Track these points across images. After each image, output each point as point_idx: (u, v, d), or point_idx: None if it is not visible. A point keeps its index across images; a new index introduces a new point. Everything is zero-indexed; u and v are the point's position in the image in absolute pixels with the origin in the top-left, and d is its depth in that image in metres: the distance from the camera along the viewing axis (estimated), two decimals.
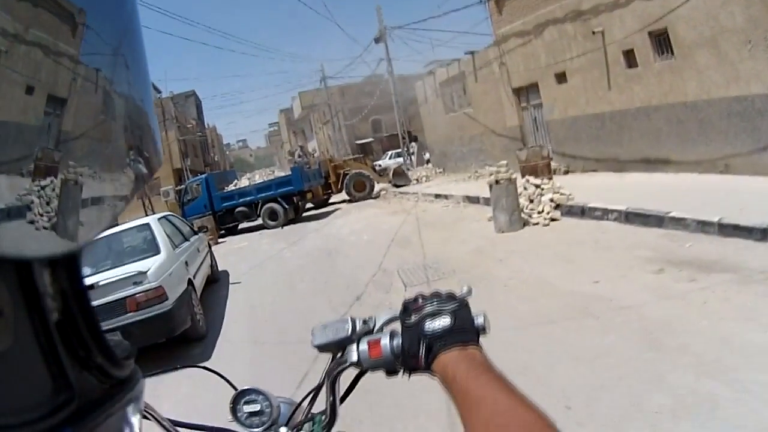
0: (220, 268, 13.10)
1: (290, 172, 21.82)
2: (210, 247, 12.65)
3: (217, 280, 12.16)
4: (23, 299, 0.55)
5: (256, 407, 1.40)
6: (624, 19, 14.28)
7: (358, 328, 1.20)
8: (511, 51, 19.15)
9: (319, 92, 53.85)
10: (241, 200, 21.78)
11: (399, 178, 25.85)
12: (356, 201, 24.26)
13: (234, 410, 1.41)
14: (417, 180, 26.07)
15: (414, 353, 1.01)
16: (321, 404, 1.29)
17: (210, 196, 21.80)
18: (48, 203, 0.54)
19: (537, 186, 11.95)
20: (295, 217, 22.00)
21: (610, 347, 5.03)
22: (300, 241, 15.60)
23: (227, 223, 22.28)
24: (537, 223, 11.02)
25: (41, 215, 0.53)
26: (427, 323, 1.01)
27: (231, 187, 22.63)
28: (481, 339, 1.00)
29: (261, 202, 21.45)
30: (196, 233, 11.42)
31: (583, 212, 10.89)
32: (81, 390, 0.58)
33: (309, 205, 24.69)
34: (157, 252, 8.21)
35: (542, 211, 11.36)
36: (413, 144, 30.67)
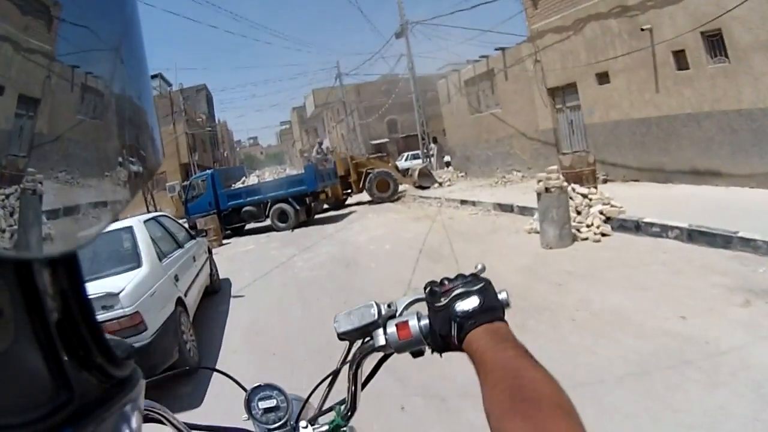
0: (222, 276, 11.83)
1: (303, 171, 20.71)
2: (210, 252, 11.33)
3: (216, 291, 10.87)
4: (23, 299, 0.55)
5: (271, 403, 1.44)
6: (675, 16, 13.32)
7: (383, 312, 1.22)
8: (547, 48, 18.05)
9: (333, 90, 52.77)
10: (248, 199, 20.56)
11: (425, 179, 24.75)
12: (379, 202, 23.06)
13: (249, 407, 1.45)
14: (439, 184, 24.80)
15: (446, 333, 1.07)
16: (336, 394, 1.39)
17: (215, 194, 20.65)
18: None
19: (584, 196, 10.88)
20: (307, 219, 20.91)
21: (723, 407, 4.07)
22: (313, 248, 14.36)
23: (233, 223, 21.14)
24: (586, 239, 9.96)
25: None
26: (457, 304, 1.06)
27: (239, 185, 21.48)
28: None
29: (270, 202, 20.27)
30: (193, 237, 10.01)
31: (637, 228, 9.89)
32: (81, 390, 0.60)
33: (325, 206, 23.60)
34: (138, 265, 6.65)
35: (591, 224, 10.30)
36: (433, 146, 29.53)
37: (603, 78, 16.02)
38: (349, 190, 24.66)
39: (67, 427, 0.56)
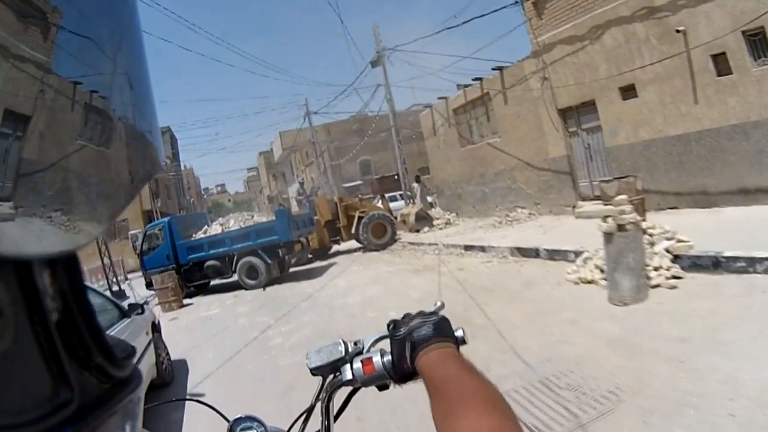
0: (177, 355, 9.16)
1: (274, 217, 17.82)
2: (157, 329, 8.49)
3: (167, 384, 8.01)
4: (23, 299, 0.56)
5: None
6: (711, 16, 11.69)
7: (350, 349, 1.36)
8: (556, 62, 16.14)
9: (301, 132, 51.13)
10: (211, 252, 17.82)
11: (422, 222, 22.34)
12: (374, 250, 20.52)
13: None
14: (428, 227, 22.34)
15: (401, 356, 1.18)
16: (312, 426, 1.43)
17: (173, 245, 18.01)
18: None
19: (643, 231, 8.74)
20: (281, 274, 18.16)
21: None
22: (292, 315, 11.49)
23: (195, 279, 18.31)
24: (657, 285, 7.71)
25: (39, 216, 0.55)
26: (414, 333, 1.17)
27: (200, 235, 18.74)
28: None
29: (237, 255, 17.62)
30: (126, 314, 7.15)
31: (716, 265, 7.94)
32: (81, 390, 0.61)
33: (309, 255, 21.32)
34: None
35: (659, 266, 8.13)
36: (415, 185, 27.20)
37: (628, 92, 14.20)
38: (338, 237, 22.21)
39: (67, 427, 0.57)
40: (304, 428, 1.43)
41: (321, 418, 1.36)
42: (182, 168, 69.40)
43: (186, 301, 17.39)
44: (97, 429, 0.61)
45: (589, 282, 8.74)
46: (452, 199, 24.40)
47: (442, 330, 1.17)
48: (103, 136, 0.62)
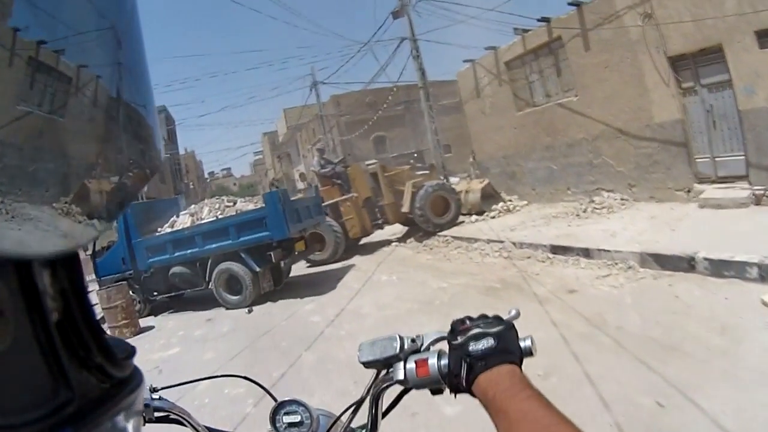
0: None
1: (263, 205, 12.93)
2: None
3: None
4: (23, 299, 0.58)
5: (295, 418, 1.52)
6: None
7: (406, 346, 1.29)
8: None
9: (306, 109, 47.53)
10: (177, 254, 13.22)
11: (489, 201, 18.37)
12: (431, 232, 16.59)
13: (273, 420, 1.53)
14: (469, 212, 18.11)
15: (457, 373, 1.11)
16: (361, 418, 1.40)
17: (129, 245, 13.47)
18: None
19: None
20: (275, 287, 13.37)
21: None
22: (287, 384, 6.90)
23: (160, 291, 13.95)
24: None
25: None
26: (471, 344, 1.11)
27: (166, 229, 13.96)
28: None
29: (212, 260, 13.06)
30: None
31: None
32: (81, 390, 0.63)
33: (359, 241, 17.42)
34: None
35: None
36: (471, 161, 23.16)
37: None
38: (380, 220, 18.10)
39: (67, 427, 0.59)
40: (352, 419, 1.42)
41: (369, 412, 1.34)
42: (182, 151, 66.81)
43: (148, 321, 13.28)
44: (97, 429, 0.62)
45: None
46: (502, 179, 19.76)
47: (505, 343, 1.10)
48: (60, 101, 0.56)
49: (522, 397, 0.95)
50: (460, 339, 1.15)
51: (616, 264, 9.17)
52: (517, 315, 1.21)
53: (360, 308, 10.23)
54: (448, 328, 1.25)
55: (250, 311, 12.37)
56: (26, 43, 0.51)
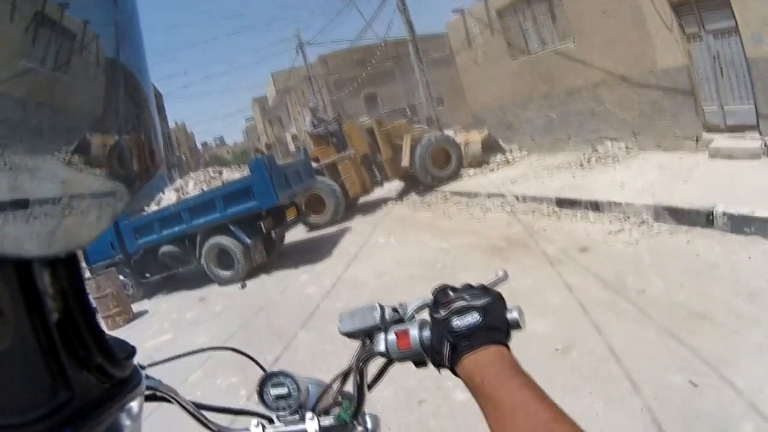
0: None
1: (250, 174, 12.61)
2: None
3: None
4: (23, 299, 0.58)
5: (283, 390, 1.48)
6: None
7: (387, 316, 1.25)
8: None
9: (294, 71, 47.29)
10: (165, 233, 12.96)
11: (488, 152, 18.17)
12: (431, 186, 16.46)
13: (261, 393, 1.49)
14: (470, 164, 17.78)
15: (439, 350, 1.05)
16: (350, 387, 1.36)
17: (117, 227, 13.12)
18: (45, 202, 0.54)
19: None
20: (268, 258, 13.24)
21: None
22: (292, 361, 6.85)
23: (152, 272, 13.67)
24: None
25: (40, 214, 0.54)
26: (454, 320, 1.04)
27: (152, 208, 13.58)
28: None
29: (201, 235, 12.83)
30: None
31: None
32: (81, 390, 0.64)
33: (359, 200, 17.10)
34: None
35: None
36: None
37: None
38: (378, 177, 17.66)
39: (67, 427, 0.60)
40: (342, 387, 1.41)
41: (353, 383, 1.33)
42: (173, 125, 68.41)
43: (142, 305, 13.14)
44: (97, 429, 0.63)
45: None
46: (499, 130, 19.22)
47: (491, 318, 1.03)
48: (62, 58, 0.55)
49: (514, 385, 0.89)
50: (442, 312, 1.08)
51: (629, 218, 8.79)
52: (505, 277, 1.20)
53: (357, 276, 9.87)
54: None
55: (243, 286, 12.08)
56: None
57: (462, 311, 1.05)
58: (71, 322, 0.63)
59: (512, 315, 1.06)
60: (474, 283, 1.15)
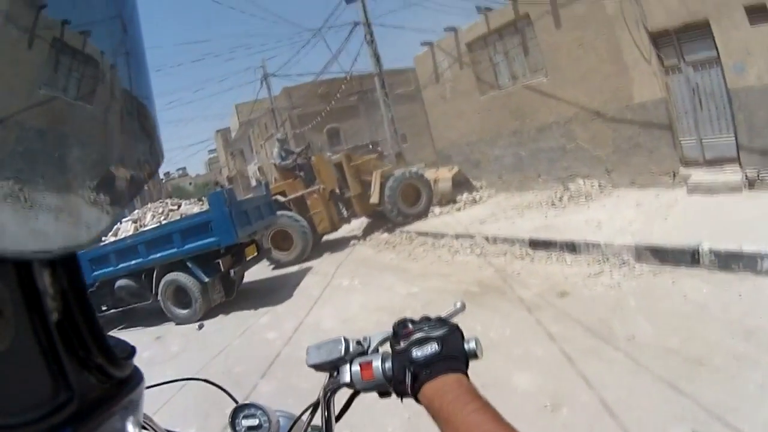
0: None
1: (208, 207, 12.06)
2: None
3: None
4: (23, 299, 0.59)
5: (254, 422, 1.53)
6: None
7: (351, 348, 1.31)
8: None
9: (257, 103, 46.98)
10: (121, 265, 12.17)
11: (459, 189, 17.76)
12: (402, 224, 15.96)
13: (233, 424, 1.54)
14: (438, 202, 17.31)
15: (401, 380, 1.12)
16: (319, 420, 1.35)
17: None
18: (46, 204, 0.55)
19: None
20: (227, 298, 12.43)
21: None
22: None
23: (108, 306, 12.75)
24: None
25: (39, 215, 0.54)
26: (414, 350, 1.11)
27: (109, 239, 12.67)
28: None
29: (158, 270, 12.06)
30: None
31: None
32: (81, 390, 0.64)
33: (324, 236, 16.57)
34: None
35: None
36: None
37: (760, 13, 9.70)
38: (346, 213, 17.07)
39: (67, 427, 0.60)
40: (311, 420, 1.42)
41: (321, 415, 1.34)
42: None
43: None
44: (97, 429, 0.63)
45: None
46: (466, 168, 18.87)
47: (449, 348, 1.10)
48: (85, 87, 0.57)
49: (470, 409, 0.94)
50: (402, 344, 1.14)
51: (608, 259, 8.42)
52: (462, 308, 1.30)
53: (320, 321, 9.30)
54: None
55: (201, 327, 11.39)
56: (50, 22, 0.49)
57: (421, 342, 1.11)
58: (71, 322, 0.63)
59: (470, 345, 1.12)
60: (431, 316, 1.22)
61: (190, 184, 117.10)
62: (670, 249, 7.68)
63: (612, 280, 7.67)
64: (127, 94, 0.65)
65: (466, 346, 1.12)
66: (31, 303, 0.59)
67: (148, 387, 1.46)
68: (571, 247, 9.29)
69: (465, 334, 1.15)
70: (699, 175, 11.10)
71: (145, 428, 1.28)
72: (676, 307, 6.27)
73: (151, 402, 1.04)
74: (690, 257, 7.37)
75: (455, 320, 1.24)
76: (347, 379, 1.26)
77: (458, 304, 1.29)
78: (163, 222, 12.53)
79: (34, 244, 0.55)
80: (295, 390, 6.44)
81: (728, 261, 6.97)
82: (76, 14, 0.53)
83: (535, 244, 10.15)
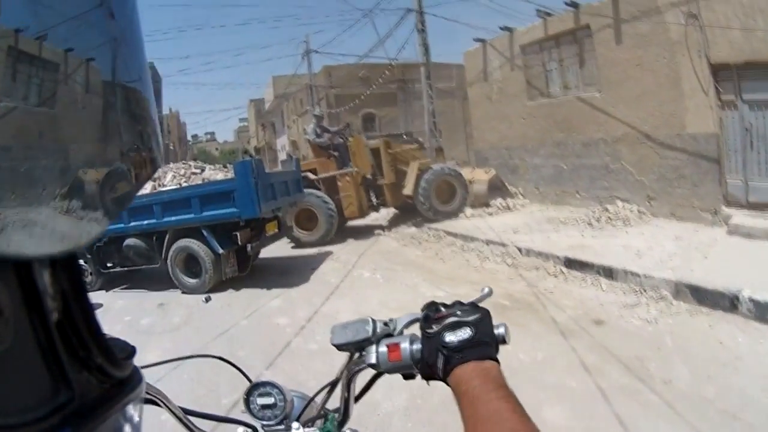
0: None
1: (233, 175, 11.82)
2: None
3: None
4: (23, 299, 0.60)
5: (269, 400, 1.57)
6: None
7: (378, 329, 1.33)
8: None
9: (295, 78, 46.25)
10: (132, 223, 11.93)
11: (495, 193, 17.65)
12: (434, 220, 16.05)
13: (247, 402, 1.59)
14: (471, 204, 17.20)
15: (432, 363, 1.14)
16: (335, 400, 1.48)
17: None
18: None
19: None
20: (240, 273, 12.09)
21: None
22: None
23: (113, 263, 12.73)
24: None
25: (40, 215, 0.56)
26: (447, 335, 1.12)
27: None
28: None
29: (170, 234, 11.81)
30: None
31: None
32: (81, 390, 0.65)
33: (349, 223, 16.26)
34: None
35: None
36: None
37: None
38: (377, 201, 16.91)
39: (67, 427, 0.61)
40: (327, 400, 1.49)
41: (341, 394, 1.40)
42: (166, 111, 68.25)
43: (98, 296, 11.98)
44: (97, 429, 0.64)
45: None
46: (502, 173, 18.65)
47: (482, 333, 1.12)
48: (47, 91, 0.57)
49: (493, 396, 0.97)
50: (435, 328, 1.16)
51: (645, 291, 8.30)
52: (489, 293, 1.36)
53: (337, 312, 9.02)
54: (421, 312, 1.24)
55: (207, 300, 11.11)
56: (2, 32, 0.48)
57: (454, 326, 1.13)
58: (71, 322, 0.64)
59: (499, 331, 1.14)
60: (463, 302, 1.23)
61: (217, 149, 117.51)
62: (711, 291, 7.55)
63: (649, 314, 7.56)
64: (119, 85, 0.65)
65: (496, 332, 1.15)
66: (31, 303, 0.60)
67: (161, 363, 1.58)
68: (608, 273, 9.20)
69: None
70: (740, 217, 10.97)
71: (158, 405, 1.32)
72: (713, 353, 6.17)
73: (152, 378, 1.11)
74: (729, 302, 7.26)
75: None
76: (373, 359, 1.27)
77: (486, 290, 1.36)
78: (183, 185, 12.36)
79: (34, 245, 0.56)
80: (302, 388, 6.40)
81: (765, 312, 6.92)
82: (59, 10, 0.54)
83: (571, 264, 10.05)
